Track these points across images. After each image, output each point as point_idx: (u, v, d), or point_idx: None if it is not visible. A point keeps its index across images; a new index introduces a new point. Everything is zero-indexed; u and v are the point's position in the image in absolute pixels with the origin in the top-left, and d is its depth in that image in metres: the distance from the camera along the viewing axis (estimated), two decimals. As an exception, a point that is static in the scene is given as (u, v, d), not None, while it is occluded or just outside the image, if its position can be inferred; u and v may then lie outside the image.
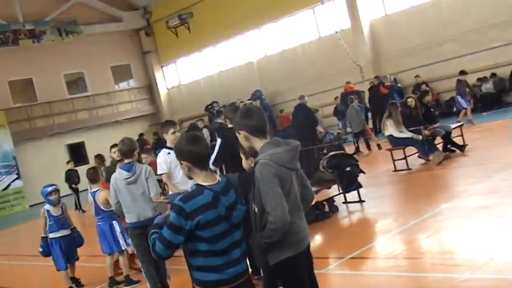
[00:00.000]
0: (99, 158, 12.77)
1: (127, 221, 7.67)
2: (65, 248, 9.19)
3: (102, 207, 9.01)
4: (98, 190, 9.11)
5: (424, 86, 21.54)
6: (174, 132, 7.60)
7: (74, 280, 9.66)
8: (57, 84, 33.94)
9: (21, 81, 33.03)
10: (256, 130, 4.11)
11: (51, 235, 9.12)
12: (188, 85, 37.05)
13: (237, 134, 4.22)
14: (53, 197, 9.00)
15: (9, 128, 31.27)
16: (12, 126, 31.65)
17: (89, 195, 9.25)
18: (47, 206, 9.08)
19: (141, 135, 30.97)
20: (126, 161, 7.59)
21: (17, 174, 31.19)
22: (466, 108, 19.03)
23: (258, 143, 4.11)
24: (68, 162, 22.99)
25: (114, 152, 10.56)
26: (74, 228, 9.45)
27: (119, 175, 7.54)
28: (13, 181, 30.99)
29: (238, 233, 3.98)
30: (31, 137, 32.31)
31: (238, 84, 32.23)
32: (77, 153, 32.39)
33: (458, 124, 14.97)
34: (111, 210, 9.02)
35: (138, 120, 36.92)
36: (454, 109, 19.42)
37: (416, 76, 22.69)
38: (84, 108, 35.14)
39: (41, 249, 9.35)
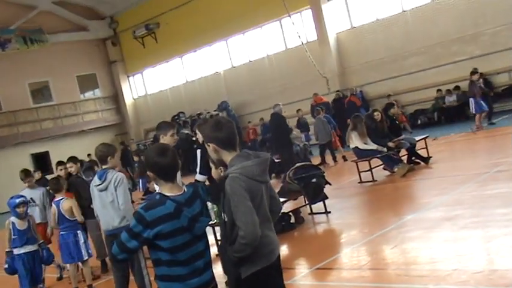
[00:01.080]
0: (24, 172, 11.50)
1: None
2: (30, 266, 8.68)
3: (66, 216, 8.89)
4: (62, 199, 9.00)
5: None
6: (173, 135, 7.36)
7: None
8: (21, 93, 33.56)
9: (-15, 89, 32.46)
10: (226, 143, 4.03)
11: (15, 251, 8.65)
12: (154, 95, 36.91)
13: (206, 146, 4.15)
14: (20, 210, 8.55)
15: (-28, 137, 30.73)
16: (-24, 135, 31.13)
17: (53, 204, 9.11)
18: (13, 218, 8.64)
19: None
20: (103, 166, 7.45)
21: (-20, 183, 30.62)
22: (481, 112, 18.54)
23: (228, 156, 4.04)
24: (35, 171, 22.63)
25: (61, 170, 10.31)
26: (42, 243, 8.99)
27: (93, 182, 7.45)
28: (-25, 191, 30.43)
29: (202, 243, 3.99)
30: (-6, 146, 31.79)
31: (205, 95, 32.23)
32: (42, 162, 31.95)
33: (423, 136, 15.12)
34: (76, 220, 8.93)
35: (103, 130, 36.55)
36: (473, 111, 18.61)
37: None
38: (49, 117, 34.77)
39: (6, 266, 8.81)
